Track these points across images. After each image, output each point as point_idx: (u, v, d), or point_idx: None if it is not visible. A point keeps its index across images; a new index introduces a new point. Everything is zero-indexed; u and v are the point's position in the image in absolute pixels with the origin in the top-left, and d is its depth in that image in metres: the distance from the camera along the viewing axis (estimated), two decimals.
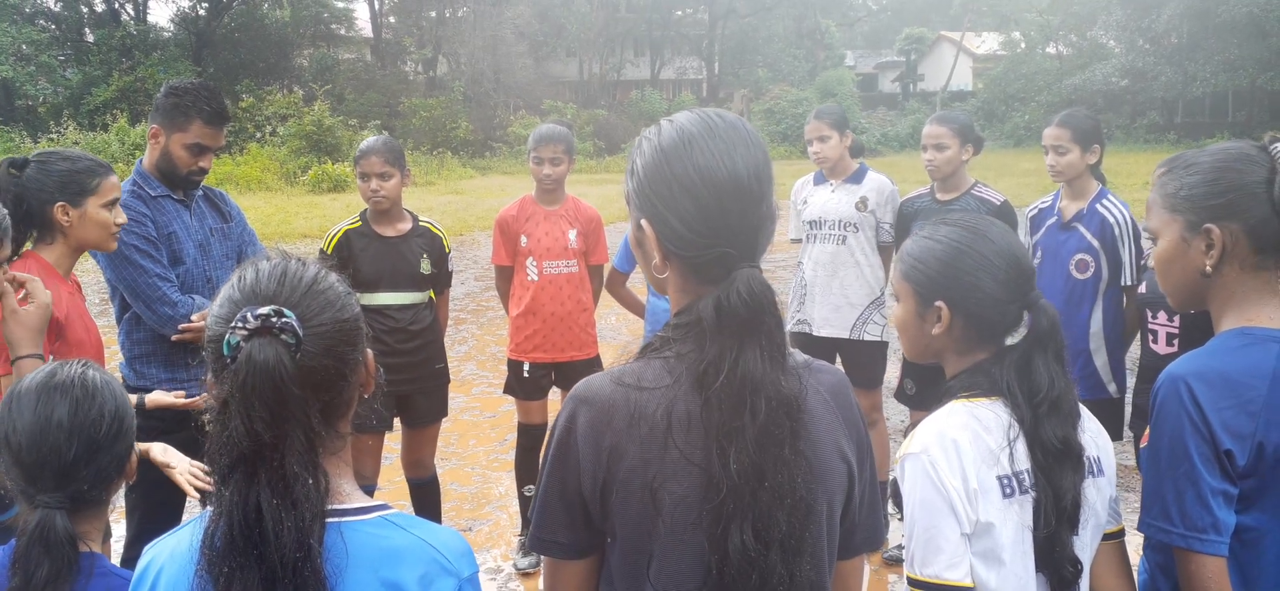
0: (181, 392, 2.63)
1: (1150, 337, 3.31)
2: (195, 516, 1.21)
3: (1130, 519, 1.67)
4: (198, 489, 2.29)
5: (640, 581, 1.23)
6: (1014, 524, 1.50)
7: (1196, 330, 2.90)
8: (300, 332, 1.13)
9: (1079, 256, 3.58)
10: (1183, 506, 1.49)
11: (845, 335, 4.09)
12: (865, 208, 4.07)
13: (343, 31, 38.07)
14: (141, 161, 3.09)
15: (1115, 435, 3.47)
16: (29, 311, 2.11)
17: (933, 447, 1.51)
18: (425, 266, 3.73)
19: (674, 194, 1.24)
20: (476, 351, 8.06)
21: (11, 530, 1.65)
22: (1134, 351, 3.69)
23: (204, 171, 3.07)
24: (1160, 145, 29.87)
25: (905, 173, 14.62)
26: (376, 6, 37.41)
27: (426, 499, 3.95)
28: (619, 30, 42.08)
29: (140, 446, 2.01)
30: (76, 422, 1.50)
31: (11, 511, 2.14)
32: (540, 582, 3.99)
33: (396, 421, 3.84)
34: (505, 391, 4.26)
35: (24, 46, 28.66)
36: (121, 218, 2.64)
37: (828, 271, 4.10)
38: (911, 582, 1.50)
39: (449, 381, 3.95)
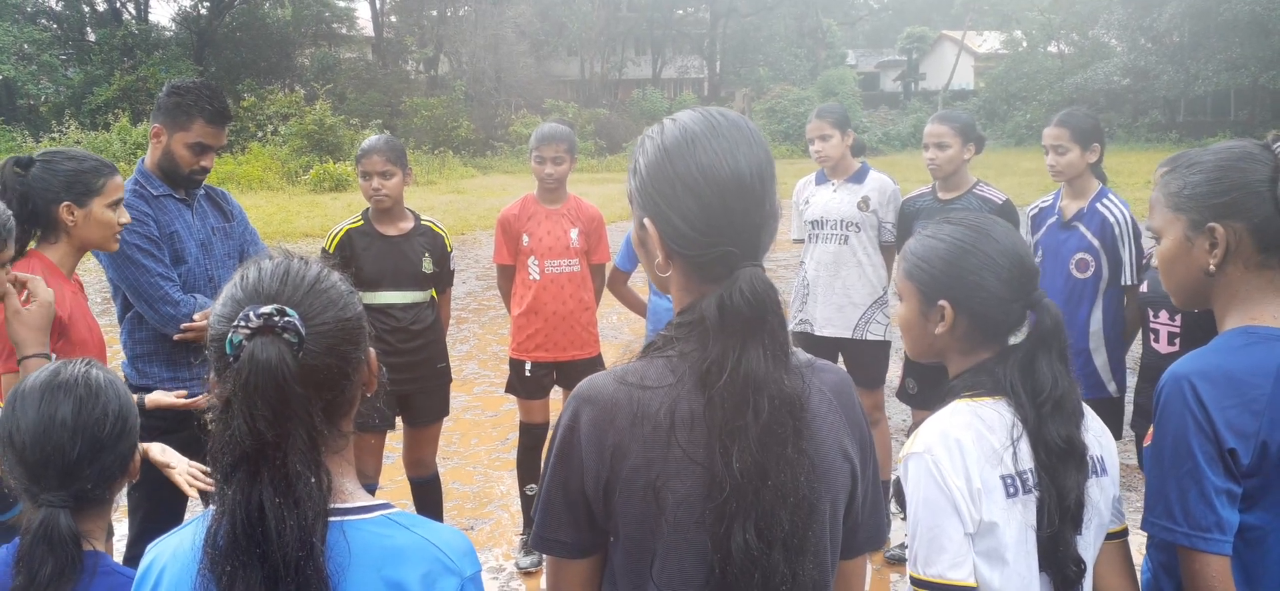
0: (183, 392, 2.63)
1: (1152, 337, 3.30)
2: (198, 515, 1.21)
3: (1132, 518, 1.67)
4: (198, 489, 2.29)
5: (643, 580, 1.23)
6: (1017, 523, 1.49)
7: (1198, 329, 2.90)
8: (303, 331, 1.13)
9: (1079, 256, 3.57)
10: (1186, 505, 1.49)
11: (848, 335, 4.09)
12: (867, 207, 4.07)
13: (344, 30, 38.10)
14: (143, 161, 3.09)
15: (1115, 434, 3.47)
16: (32, 311, 2.11)
17: (936, 447, 1.51)
18: (427, 265, 3.73)
19: (677, 193, 1.24)
20: (478, 350, 8.06)
21: (14, 529, 1.65)
22: (1135, 351, 3.69)
23: (206, 170, 3.08)
24: (1162, 144, 29.84)
25: (907, 172, 14.61)
26: (378, 5, 37.42)
27: (428, 498, 3.95)
28: (620, 29, 42.09)
29: (140, 446, 2.01)
30: (80, 421, 1.51)
31: (14, 510, 2.14)
32: (542, 582, 3.99)
33: (398, 420, 3.85)
34: (507, 390, 4.26)
35: (26, 46, 28.70)
36: (125, 217, 2.65)
37: (830, 271, 4.10)
38: (915, 582, 1.50)
39: (451, 380, 3.95)
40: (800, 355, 1.30)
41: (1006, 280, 1.58)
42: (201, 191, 3.17)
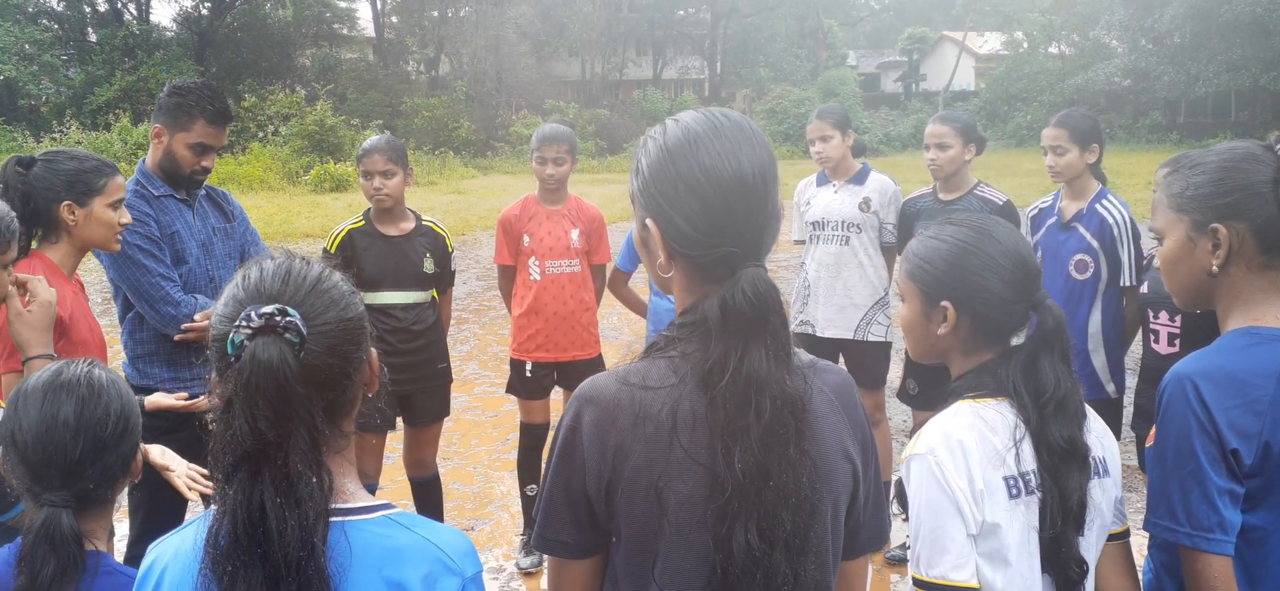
0: (183, 394, 2.63)
1: (1152, 338, 3.30)
2: (199, 515, 1.21)
3: (1133, 519, 1.67)
4: (198, 492, 2.29)
5: (645, 581, 1.23)
6: (1020, 524, 1.49)
7: (1197, 330, 2.90)
8: (304, 331, 1.13)
9: (1078, 257, 3.57)
10: (1189, 505, 1.49)
11: (849, 336, 4.09)
12: (868, 208, 4.07)
13: (345, 31, 38.11)
14: (144, 161, 3.09)
15: (1114, 435, 3.46)
16: (34, 311, 2.11)
17: (939, 448, 1.50)
18: (428, 266, 3.73)
19: (679, 193, 1.24)
20: (478, 351, 8.06)
21: (14, 529, 1.65)
22: (1134, 351, 3.69)
23: (207, 171, 3.08)
24: (1163, 145, 29.84)
25: (907, 172, 14.61)
26: (379, 6, 37.43)
27: (428, 498, 3.95)
28: (621, 30, 42.09)
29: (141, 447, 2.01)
30: (82, 421, 1.51)
31: (15, 510, 2.14)
32: (542, 582, 3.99)
33: (398, 420, 3.85)
34: (507, 391, 4.26)
35: (27, 46, 28.72)
36: (126, 217, 2.65)
37: (831, 272, 4.10)
38: (917, 583, 1.50)
39: (451, 381, 3.95)
40: (802, 356, 1.30)
41: (1009, 281, 1.57)
42: (202, 192, 3.17)
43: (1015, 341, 1.61)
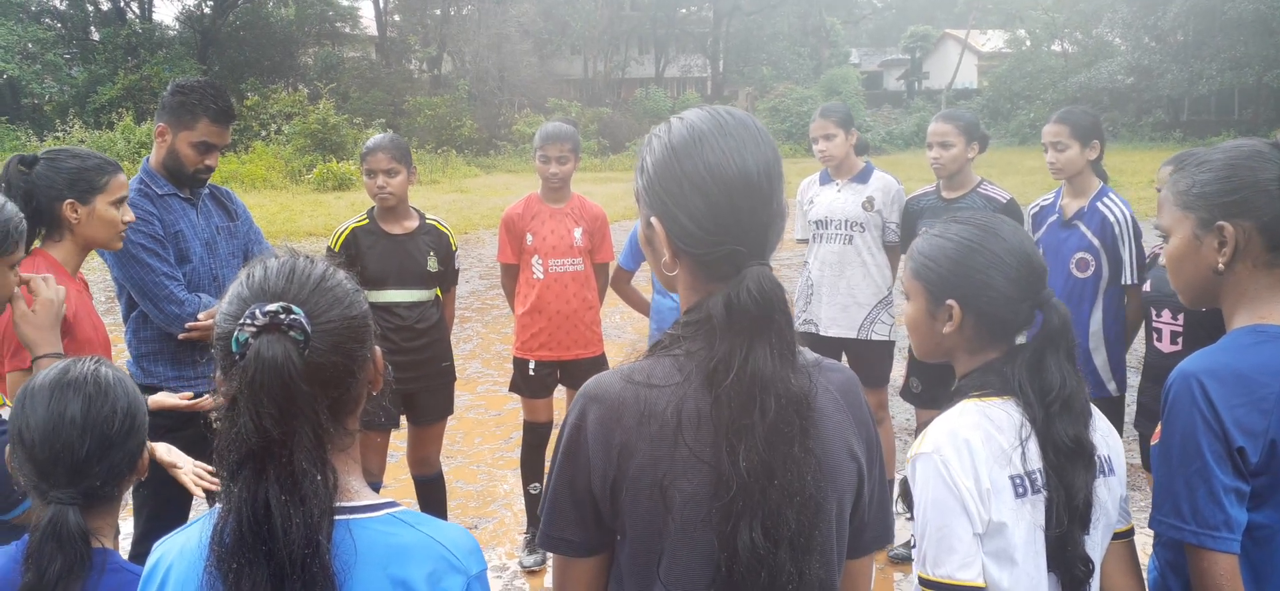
0: (188, 393, 2.63)
1: (1155, 336, 3.30)
2: (204, 513, 1.21)
3: (1137, 518, 1.66)
4: (204, 488, 2.29)
5: (650, 579, 1.23)
6: (1026, 523, 1.49)
7: (1200, 328, 2.89)
8: (308, 329, 1.13)
9: (1079, 255, 3.57)
10: (1195, 503, 1.49)
11: (852, 335, 4.08)
12: (871, 207, 4.06)
13: (348, 29, 38.11)
14: (148, 160, 3.09)
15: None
16: (39, 310, 2.11)
17: (945, 447, 1.50)
18: (432, 264, 3.73)
19: (684, 191, 1.24)
20: (482, 349, 8.06)
21: (21, 527, 1.65)
22: (1136, 350, 3.68)
23: (210, 169, 3.08)
24: (1166, 143, 29.79)
25: (910, 170, 14.59)
26: (381, 5, 37.44)
27: (432, 496, 3.95)
28: (623, 28, 42.05)
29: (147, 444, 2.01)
30: (89, 419, 1.51)
31: (21, 508, 2.15)
32: (546, 580, 3.99)
33: (402, 419, 3.85)
34: (510, 389, 4.26)
35: (30, 45, 28.75)
36: (129, 216, 2.65)
37: (835, 271, 4.09)
38: (923, 582, 1.49)
39: (455, 379, 3.96)
40: (807, 354, 1.30)
41: (1014, 279, 1.57)
42: (206, 190, 3.18)
43: (1020, 340, 1.60)
